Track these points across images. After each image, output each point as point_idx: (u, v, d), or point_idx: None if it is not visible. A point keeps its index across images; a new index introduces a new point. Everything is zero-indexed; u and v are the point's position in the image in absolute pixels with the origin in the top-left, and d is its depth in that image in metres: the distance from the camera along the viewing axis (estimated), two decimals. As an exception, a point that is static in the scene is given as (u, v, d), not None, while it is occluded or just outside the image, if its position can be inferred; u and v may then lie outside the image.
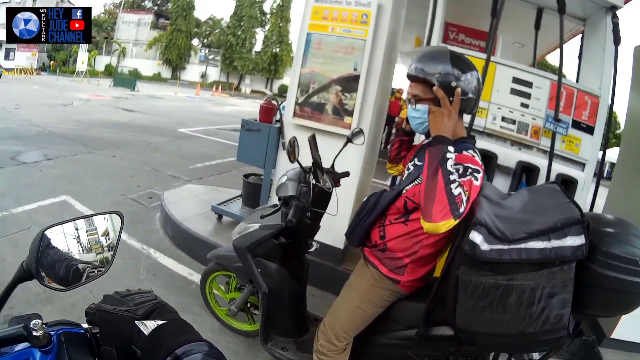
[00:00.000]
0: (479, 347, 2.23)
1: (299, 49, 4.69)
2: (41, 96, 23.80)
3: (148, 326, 0.90)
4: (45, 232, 1.06)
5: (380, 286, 2.52)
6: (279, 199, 3.04)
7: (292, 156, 2.87)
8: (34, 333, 0.88)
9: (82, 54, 42.25)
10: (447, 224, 1.95)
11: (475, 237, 1.96)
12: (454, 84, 2.14)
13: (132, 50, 51.48)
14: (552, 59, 14.75)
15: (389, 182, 9.32)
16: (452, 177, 2.00)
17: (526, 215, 2.01)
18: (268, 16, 48.22)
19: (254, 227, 3.11)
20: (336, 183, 3.19)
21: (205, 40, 51.83)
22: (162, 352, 0.82)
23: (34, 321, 0.90)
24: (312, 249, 3.23)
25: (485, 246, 1.93)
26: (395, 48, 5.02)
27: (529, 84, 4.35)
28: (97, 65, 48.99)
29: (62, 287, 1.10)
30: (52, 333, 0.94)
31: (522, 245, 1.90)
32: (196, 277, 4.74)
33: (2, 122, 14.17)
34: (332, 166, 3.19)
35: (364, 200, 2.65)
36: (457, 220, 1.96)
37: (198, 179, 8.82)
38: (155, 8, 53.58)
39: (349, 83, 4.46)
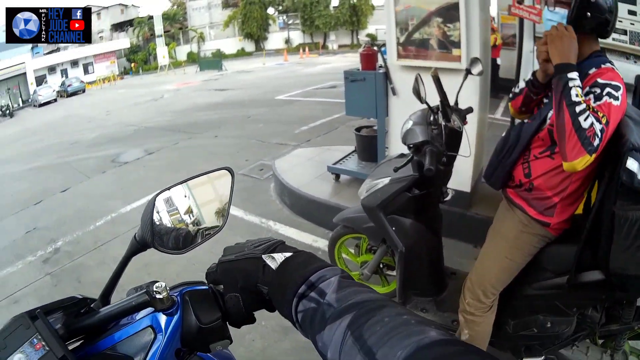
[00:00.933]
0: (631, 291, 2.12)
1: None
2: (130, 97, 25.05)
3: (276, 259, 0.86)
4: (157, 198, 1.05)
5: (529, 231, 2.31)
6: (408, 146, 2.77)
7: (420, 96, 2.60)
8: (157, 296, 0.88)
9: (161, 48, 44.50)
10: (582, 161, 1.85)
11: (632, 164, 1.77)
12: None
13: (209, 34, 52.67)
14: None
15: (507, 117, 8.78)
16: (578, 108, 1.84)
17: None
18: None
19: (383, 182, 2.86)
20: (463, 121, 2.88)
21: (280, 7, 51.71)
22: (295, 281, 0.78)
23: (156, 284, 0.90)
24: (448, 197, 2.97)
25: None
26: None
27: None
28: (178, 55, 50.85)
29: (178, 251, 1.08)
30: (175, 294, 0.94)
31: None
32: (321, 244, 4.68)
33: (95, 130, 15.09)
34: (456, 103, 2.87)
35: (503, 136, 2.45)
36: (594, 155, 1.83)
37: (306, 142, 8.76)
38: None
39: (450, 12, 4.03)
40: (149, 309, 0.91)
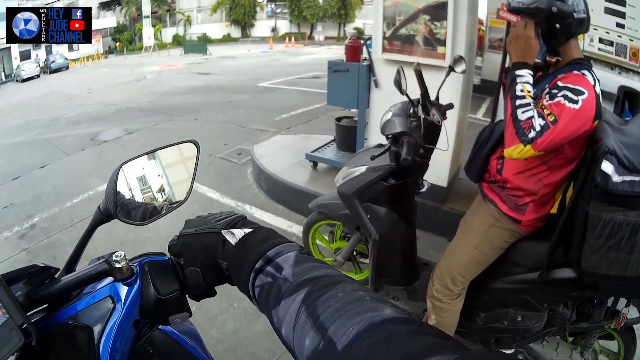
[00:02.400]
0: (601, 291, 2.15)
1: None
2: (112, 77, 24.86)
3: (235, 235, 0.86)
4: (122, 168, 1.04)
5: (500, 226, 2.37)
6: (387, 137, 2.83)
7: (401, 87, 2.64)
8: (116, 265, 0.88)
9: (147, 29, 43.80)
10: (516, 150, 1.96)
11: (607, 167, 1.81)
12: (554, 9, 2.00)
13: (197, 17, 52.16)
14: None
15: (485, 118, 8.89)
16: (519, 102, 1.99)
17: None
18: None
19: (360, 171, 2.90)
20: (443, 116, 2.91)
21: (269, -5, 51.44)
22: (252, 257, 0.79)
23: (115, 253, 0.89)
24: (423, 189, 3.01)
25: (616, 177, 1.80)
26: None
27: (622, 2, 4.00)
28: (164, 37, 50.26)
29: (141, 222, 1.09)
30: (135, 264, 0.94)
31: None
32: (296, 229, 4.72)
33: (77, 108, 14.94)
34: (437, 98, 2.91)
35: (480, 131, 2.55)
36: (528, 146, 1.93)
37: (286, 129, 8.78)
38: None
39: (437, 11, 4.10)
40: (109, 279, 0.92)
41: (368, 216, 2.93)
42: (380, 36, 4.50)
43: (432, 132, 2.77)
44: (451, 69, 2.83)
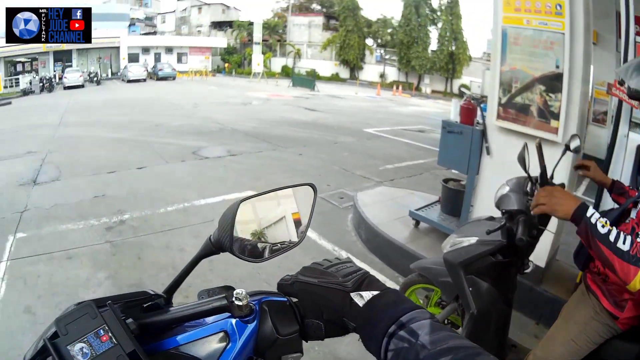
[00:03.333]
0: None
1: (496, 45, 4.39)
2: (219, 96, 25.94)
3: (364, 297, 0.86)
4: (241, 204, 1.05)
5: (599, 320, 2.28)
6: (502, 212, 2.78)
7: (525, 164, 2.59)
8: (237, 302, 0.90)
9: (257, 55, 45.40)
10: (637, 279, 1.76)
11: None
12: None
13: (306, 52, 53.45)
14: None
15: (587, 197, 8.49)
16: (612, 237, 1.81)
17: None
18: (438, 13, 47.10)
19: (470, 241, 2.86)
20: None
21: (379, 40, 51.90)
22: (385, 321, 0.79)
23: (237, 290, 0.92)
24: (528, 270, 2.94)
25: None
26: (590, 46, 4.38)
27: None
28: (272, 66, 52.16)
29: (254, 259, 1.09)
30: (254, 302, 0.95)
31: None
32: (389, 285, 4.63)
33: (181, 119, 15.65)
34: (552, 177, 2.82)
35: None
36: None
37: (389, 180, 8.73)
38: (324, 10, 54.88)
39: (553, 82, 4.01)
40: (224, 314, 0.93)
41: (470, 289, 2.88)
42: (495, 102, 4.45)
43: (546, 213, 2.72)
44: (567, 147, 2.78)
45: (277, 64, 52.76)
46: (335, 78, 50.03)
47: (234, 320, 0.92)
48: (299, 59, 52.44)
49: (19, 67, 39.24)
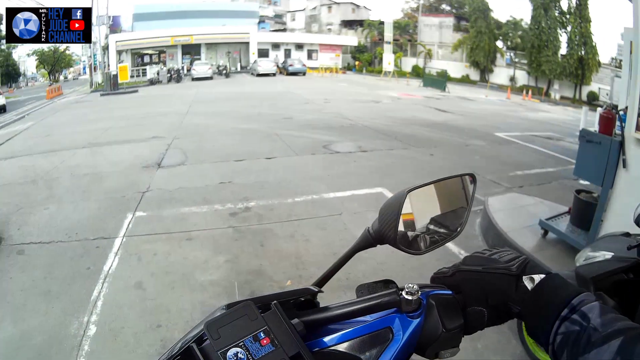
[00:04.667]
0: None
1: (637, 50, 4.17)
2: (350, 92, 25.83)
3: (535, 280, 0.85)
4: (408, 195, 1.01)
5: None
6: None
7: None
8: (407, 297, 0.87)
9: (387, 54, 45.30)
10: None
11: None
12: None
13: (437, 52, 52.34)
14: None
15: None
16: None
17: None
18: (568, 16, 44.75)
19: (604, 256, 2.83)
20: None
21: (510, 43, 50.23)
22: (556, 304, 0.79)
23: (408, 284, 0.89)
24: None
25: None
26: None
27: None
28: (403, 66, 51.43)
29: (417, 252, 1.05)
30: (421, 297, 0.90)
31: None
32: None
33: (312, 113, 15.84)
34: None
35: None
36: None
37: (518, 187, 8.68)
38: (454, 11, 53.81)
39: None
40: (390, 310, 0.89)
41: None
42: (635, 112, 4.18)
43: None
44: None
45: (408, 63, 52.23)
46: (465, 80, 48.89)
47: (399, 316, 0.89)
48: (429, 59, 51.67)
49: (146, 59, 41.75)
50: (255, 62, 42.89)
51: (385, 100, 23.42)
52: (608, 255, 2.82)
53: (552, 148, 13.03)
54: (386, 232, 0.98)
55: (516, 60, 48.58)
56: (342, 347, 0.86)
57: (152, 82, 34.87)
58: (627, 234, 2.92)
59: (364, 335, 0.87)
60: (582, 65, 42.73)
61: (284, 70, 42.22)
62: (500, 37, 49.68)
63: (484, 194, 7.17)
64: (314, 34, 55.77)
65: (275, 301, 0.82)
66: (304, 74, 41.83)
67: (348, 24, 57.71)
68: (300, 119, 14.66)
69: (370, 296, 0.90)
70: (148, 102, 20.93)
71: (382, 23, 49.73)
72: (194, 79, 36.54)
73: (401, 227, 1.01)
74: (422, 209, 1.12)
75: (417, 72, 47.89)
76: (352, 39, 54.71)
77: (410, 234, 1.07)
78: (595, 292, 2.72)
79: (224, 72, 40.16)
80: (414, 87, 35.28)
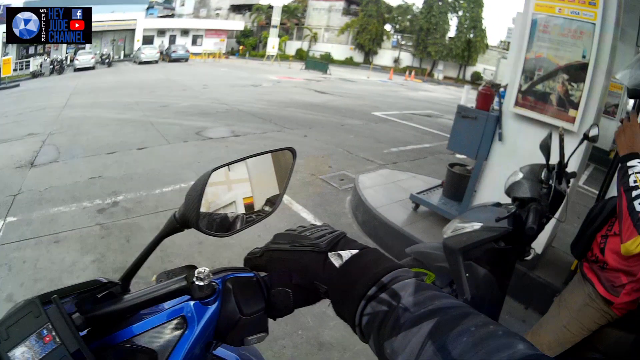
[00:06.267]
0: None
1: (524, 31, 4.28)
2: (230, 77, 25.96)
3: (343, 257, 0.77)
4: (212, 174, 0.93)
5: (593, 306, 2.32)
6: (513, 199, 2.71)
7: (549, 153, 2.57)
8: (198, 283, 0.80)
9: (272, 38, 45.61)
10: (634, 243, 1.87)
11: None
12: None
13: (323, 36, 53.83)
14: None
15: (586, 186, 8.38)
16: (635, 193, 1.91)
17: None
18: (461, 1, 47.14)
19: (472, 227, 2.77)
20: (567, 185, 2.82)
21: (398, 26, 51.93)
22: (363, 282, 0.70)
23: (199, 269, 0.82)
24: (529, 257, 2.86)
25: None
26: (618, 39, 4.29)
27: None
28: (287, 49, 52.52)
29: (223, 234, 0.98)
30: (217, 281, 0.85)
31: None
32: None
33: (189, 100, 15.66)
34: (566, 165, 2.77)
35: (590, 208, 2.60)
36: None
37: (392, 163, 8.61)
38: None
39: (577, 72, 3.94)
40: (183, 297, 0.84)
41: (467, 274, 2.80)
42: (515, 89, 4.40)
43: (556, 201, 2.67)
44: (586, 137, 2.72)
45: (293, 47, 53.20)
46: (349, 62, 50.32)
47: (192, 303, 0.83)
48: (314, 42, 52.56)
49: (31, 50, 39.33)
50: (139, 49, 41.73)
51: (265, 84, 23.80)
52: (477, 225, 2.78)
53: (431, 125, 13.65)
54: (189, 215, 0.92)
55: (403, 42, 50.46)
56: (137, 340, 0.80)
57: (34, 75, 32.81)
58: (498, 204, 2.90)
59: (158, 326, 0.81)
60: (469, 47, 45.28)
61: (167, 56, 41.70)
62: (389, 21, 51.35)
63: (356, 172, 7.21)
64: (201, 19, 54.74)
65: (54, 295, 0.74)
66: (187, 60, 41.71)
67: (237, 9, 57.45)
68: (177, 107, 14.46)
69: (161, 284, 0.84)
70: (27, 97, 19.73)
71: (271, 7, 49.53)
72: (76, 70, 35.09)
73: (215, 209, 1.00)
74: (235, 188, 1.08)
75: (300, 56, 49.00)
76: (238, 23, 54.51)
77: (220, 215, 1.02)
78: (464, 262, 2.78)
79: (107, 61, 38.83)
80: (295, 71, 36.00)
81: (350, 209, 6.16)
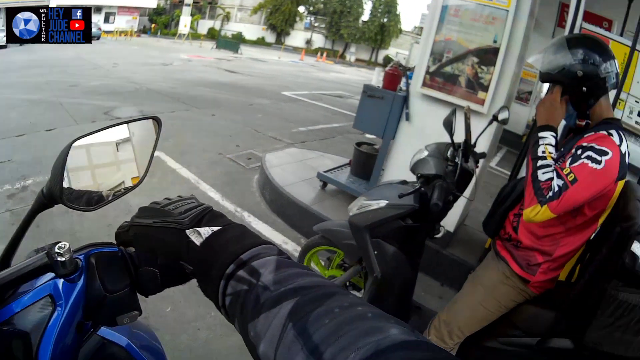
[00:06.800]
0: None
1: (434, 14, 4.35)
2: (140, 56, 25.13)
3: (202, 234, 0.72)
4: (73, 145, 0.91)
5: (509, 284, 2.33)
6: (418, 176, 2.74)
7: (452, 129, 2.55)
8: (59, 258, 0.74)
9: (185, 17, 44.37)
10: (534, 211, 1.94)
11: (637, 248, 1.77)
12: (579, 73, 2.04)
13: (236, 15, 53.16)
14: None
15: (501, 168, 8.72)
16: (540, 163, 1.99)
17: None
18: None
19: (378, 205, 2.77)
20: (475, 164, 2.88)
21: (311, 8, 52.04)
22: (222, 260, 0.66)
23: (58, 244, 0.75)
24: (439, 235, 2.93)
25: None
26: (531, 28, 4.53)
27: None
28: (199, 28, 51.33)
29: (88, 208, 0.96)
30: (80, 257, 0.81)
31: None
32: (291, 246, 4.58)
33: (98, 79, 14.93)
34: (474, 145, 2.82)
35: (502, 186, 2.58)
36: (545, 207, 1.92)
37: (301, 142, 8.62)
38: None
39: (487, 56, 4.08)
40: (50, 275, 0.79)
41: (375, 252, 2.79)
42: (423, 70, 4.46)
43: (464, 180, 2.71)
44: (495, 118, 2.77)
45: (205, 26, 52.07)
46: (260, 42, 49.99)
47: (60, 281, 0.79)
48: (227, 22, 51.76)
49: None
50: (49, 25, 39.27)
51: (175, 62, 23.24)
52: (382, 203, 2.78)
53: (341, 105, 13.81)
54: (53, 189, 0.89)
55: (316, 24, 50.60)
56: (10, 323, 0.76)
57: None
58: (404, 182, 2.91)
59: (28, 306, 0.78)
60: (382, 31, 45.99)
61: (78, 34, 39.37)
62: (303, 2, 51.30)
63: (263, 151, 7.13)
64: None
65: None
66: (99, 38, 39.15)
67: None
68: (87, 86, 13.65)
69: (24, 262, 0.76)
70: None
71: (184, -16, 48.08)
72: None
73: (81, 183, 0.96)
74: (100, 160, 1.04)
75: (212, 35, 48.09)
76: (151, 1, 52.25)
77: (86, 190, 0.98)
78: (372, 239, 2.77)
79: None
80: (206, 50, 35.38)
81: (257, 187, 6.08)
